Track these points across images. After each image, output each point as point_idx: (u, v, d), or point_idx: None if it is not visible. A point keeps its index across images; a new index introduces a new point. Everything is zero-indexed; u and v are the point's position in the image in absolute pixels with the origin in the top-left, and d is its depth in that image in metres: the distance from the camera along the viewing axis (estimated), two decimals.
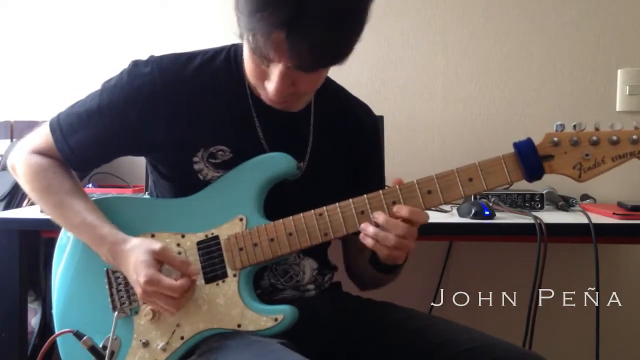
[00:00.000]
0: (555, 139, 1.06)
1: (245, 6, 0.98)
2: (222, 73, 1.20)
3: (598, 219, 1.66)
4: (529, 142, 1.06)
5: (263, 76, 1.08)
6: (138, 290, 1.09)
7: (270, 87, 1.06)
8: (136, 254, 1.08)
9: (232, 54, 1.21)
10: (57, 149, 1.20)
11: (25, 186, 1.23)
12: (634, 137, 1.04)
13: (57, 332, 1.18)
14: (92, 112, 1.18)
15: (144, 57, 1.20)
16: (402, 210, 1.06)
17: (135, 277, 1.08)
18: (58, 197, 1.18)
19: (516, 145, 1.07)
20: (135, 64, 1.19)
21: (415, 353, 1.14)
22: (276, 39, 0.97)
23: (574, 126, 1.06)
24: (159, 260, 1.08)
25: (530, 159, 1.05)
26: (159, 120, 1.16)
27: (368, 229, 1.06)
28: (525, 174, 1.06)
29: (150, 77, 1.16)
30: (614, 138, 1.04)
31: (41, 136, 1.22)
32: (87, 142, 1.19)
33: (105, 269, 1.17)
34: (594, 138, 1.05)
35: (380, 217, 1.06)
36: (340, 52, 1.02)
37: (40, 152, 1.22)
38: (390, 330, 1.19)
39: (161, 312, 1.13)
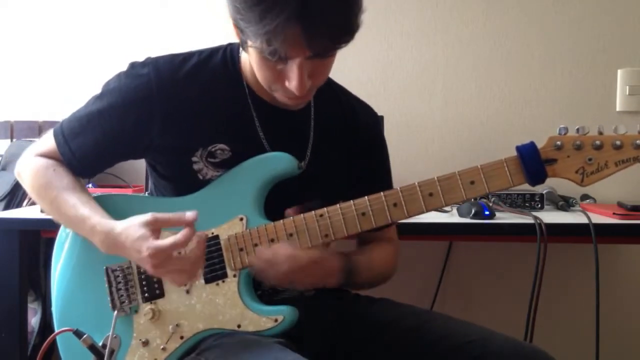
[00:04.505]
0: (558, 142, 1.05)
1: (251, 14, 0.97)
2: (219, 72, 1.20)
3: (598, 219, 1.66)
4: (531, 145, 1.05)
5: (280, 78, 1.07)
6: (148, 267, 1.04)
7: (293, 84, 1.05)
8: (129, 234, 1.05)
9: (228, 53, 1.21)
10: (60, 153, 1.20)
11: (28, 187, 1.23)
12: (638, 142, 1.03)
13: (56, 329, 1.18)
14: (92, 116, 1.19)
15: (143, 58, 1.20)
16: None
17: (139, 255, 1.04)
18: (55, 193, 1.17)
19: (519, 148, 1.06)
20: (132, 66, 1.19)
21: (414, 348, 1.14)
22: (292, 34, 0.97)
23: (577, 130, 1.05)
24: (155, 228, 1.05)
25: (533, 162, 1.04)
26: (156, 121, 1.16)
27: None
28: (528, 177, 1.05)
29: (147, 79, 1.16)
30: (618, 143, 1.03)
31: (46, 141, 1.24)
32: (88, 145, 1.19)
33: (104, 267, 1.17)
34: (597, 142, 1.04)
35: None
36: (352, 25, 1.02)
37: (44, 156, 1.23)
38: (389, 328, 1.19)
39: (185, 281, 1.09)
